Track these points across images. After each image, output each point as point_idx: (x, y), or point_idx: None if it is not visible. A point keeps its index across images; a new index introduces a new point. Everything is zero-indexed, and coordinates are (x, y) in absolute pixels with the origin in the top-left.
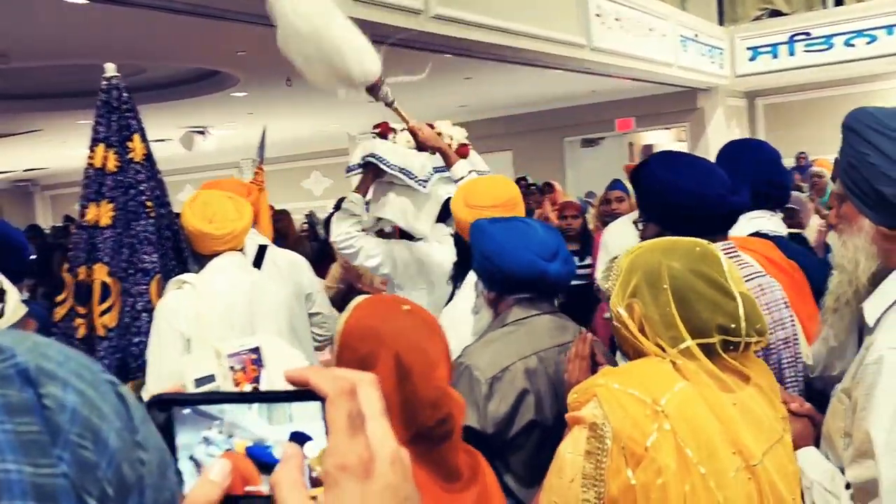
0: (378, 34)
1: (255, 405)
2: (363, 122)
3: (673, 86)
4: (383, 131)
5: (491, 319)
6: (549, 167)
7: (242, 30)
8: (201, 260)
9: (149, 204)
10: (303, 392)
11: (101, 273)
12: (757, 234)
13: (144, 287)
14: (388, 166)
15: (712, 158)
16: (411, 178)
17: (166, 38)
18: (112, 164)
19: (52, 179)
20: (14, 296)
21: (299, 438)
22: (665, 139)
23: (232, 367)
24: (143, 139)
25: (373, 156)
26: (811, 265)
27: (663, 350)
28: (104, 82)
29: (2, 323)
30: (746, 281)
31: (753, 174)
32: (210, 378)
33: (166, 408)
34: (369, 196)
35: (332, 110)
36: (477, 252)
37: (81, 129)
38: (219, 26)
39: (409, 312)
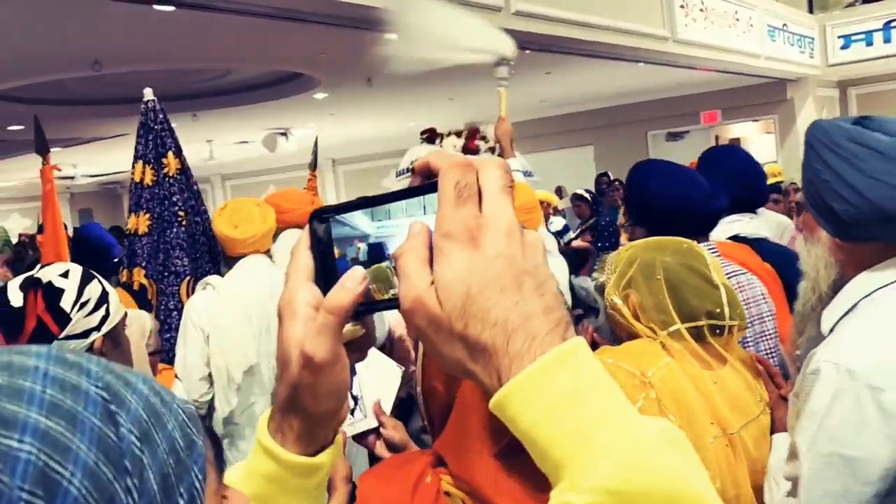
0: None
1: (402, 204)
2: (441, 121)
3: (760, 77)
4: (431, 136)
5: None
6: (633, 161)
7: (324, 32)
8: (230, 262)
9: (181, 213)
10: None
11: (139, 276)
12: (736, 238)
13: (176, 288)
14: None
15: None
16: None
17: (249, 42)
18: (149, 178)
19: None
20: (115, 298)
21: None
22: (752, 131)
23: None
24: (178, 155)
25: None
26: (790, 263)
27: (654, 333)
28: (143, 105)
29: (106, 325)
30: (728, 277)
31: (731, 179)
32: None
33: (324, 218)
34: None
35: (412, 109)
36: None
37: None
38: (300, 29)
39: None
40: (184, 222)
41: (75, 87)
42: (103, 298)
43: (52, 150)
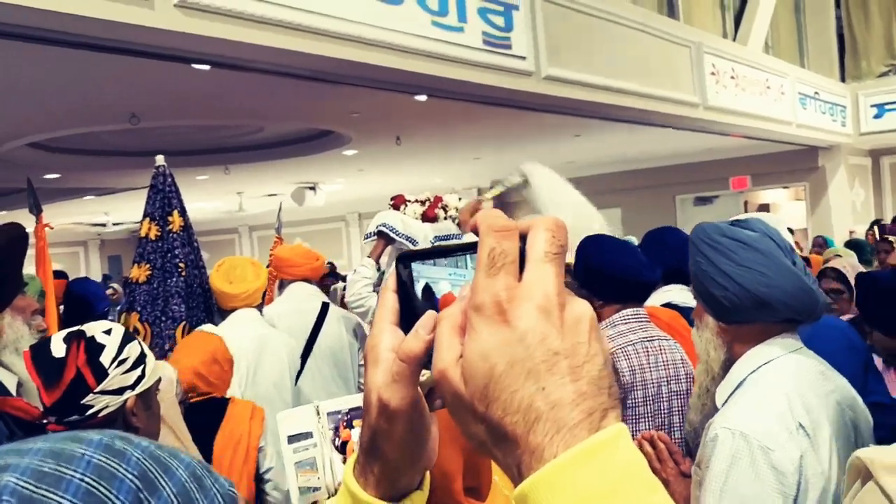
0: (491, 96)
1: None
2: (466, 179)
3: (792, 144)
4: (397, 203)
5: None
6: (660, 223)
7: (355, 93)
8: (223, 313)
9: (181, 265)
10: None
11: (134, 320)
12: (668, 305)
13: (172, 331)
14: (397, 235)
15: (834, 217)
16: (414, 245)
17: (284, 100)
18: (153, 233)
19: None
20: (152, 361)
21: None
22: (782, 198)
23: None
24: (182, 214)
25: (384, 225)
26: None
27: None
28: (154, 169)
29: (141, 385)
30: (650, 340)
31: (671, 254)
32: (306, 435)
33: (408, 263)
34: (383, 261)
35: (438, 167)
36: None
37: (199, 185)
38: (334, 90)
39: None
40: (183, 273)
41: (110, 139)
42: (140, 360)
43: (85, 198)
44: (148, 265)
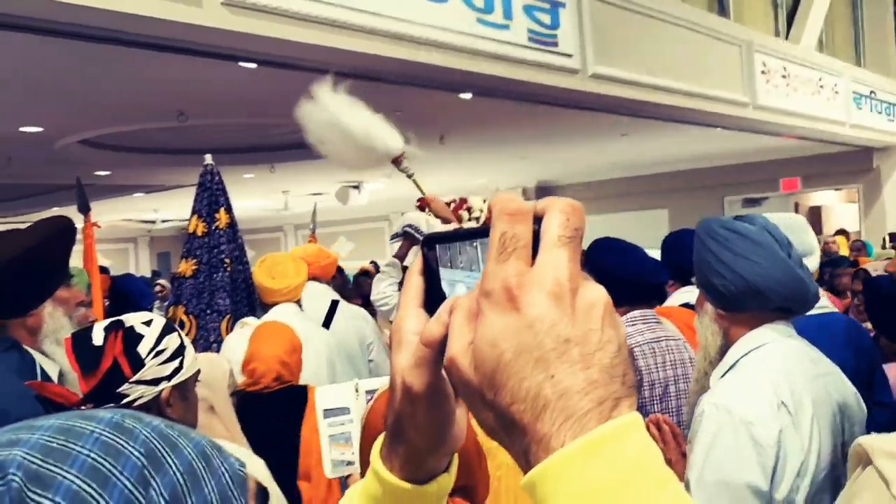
0: (537, 94)
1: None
2: (511, 178)
3: (845, 144)
4: (422, 205)
5: None
6: None
7: (399, 91)
8: (265, 307)
9: (226, 260)
10: None
11: (180, 313)
12: (686, 305)
13: (217, 324)
14: (422, 235)
15: (888, 220)
16: None
17: None
18: (201, 230)
19: None
20: (191, 354)
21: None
22: (834, 200)
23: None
24: (228, 211)
25: (409, 226)
26: None
27: None
28: (202, 168)
29: (177, 377)
30: (658, 341)
31: (688, 256)
32: (343, 410)
33: (433, 245)
34: (408, 260)
35: (482, 166)
36: None
37: (245, 183)
38: (378, 88)
39: None
40: (228, 268)
41: (159, 137)
42: (179, 352)
43: (134, 195)
44: (195, 260)
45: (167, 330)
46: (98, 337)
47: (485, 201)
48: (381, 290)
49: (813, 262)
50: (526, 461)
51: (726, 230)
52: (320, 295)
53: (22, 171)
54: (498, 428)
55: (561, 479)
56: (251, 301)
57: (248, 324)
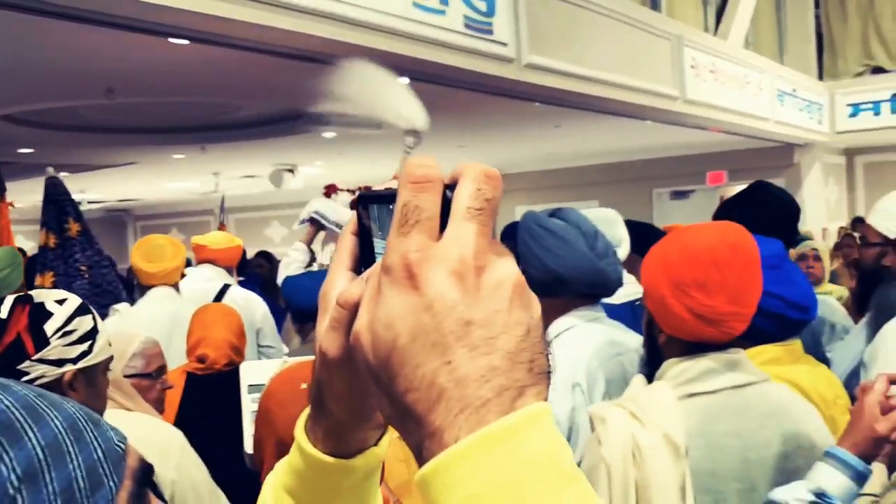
0: (472, 81)
1: None
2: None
3: (768, 140)
4: (328, 192)
5: None
6: (636, 218)
7: (335, 73)
8: (142, 290)
9: (83, 268)
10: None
11: None
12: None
13: None
14: (328, 221)
15: (807, 214)
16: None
17: (261, 79)
18: (52, 242)
19: (145, 210)
20: (104, 340)
21: None
22: None
23: None
24: (77, 219)
25: (316, 213)
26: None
27: None
28: (45, 180)
29: (84, 361)
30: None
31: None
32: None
33: (367, 204)
34: (316, 246)
35: (419, 154)
36: None
37: (175, 164)
38: (313, 69)
39: (306, 392)
40: (86, 275)
41: (87, 115)
42: (90, 335)
43: (61, 174)
44: (51, 272)
45: (81, 311)
46: (4, 310)
47: None
48: (290, 273)
49: (622, 252)
50: (419, 455)
51: (539, 227)
52: (211, 279)
53: None
54: (394, 417)
55: (453, 478)
56: (120, 299)
57: (119, 310)
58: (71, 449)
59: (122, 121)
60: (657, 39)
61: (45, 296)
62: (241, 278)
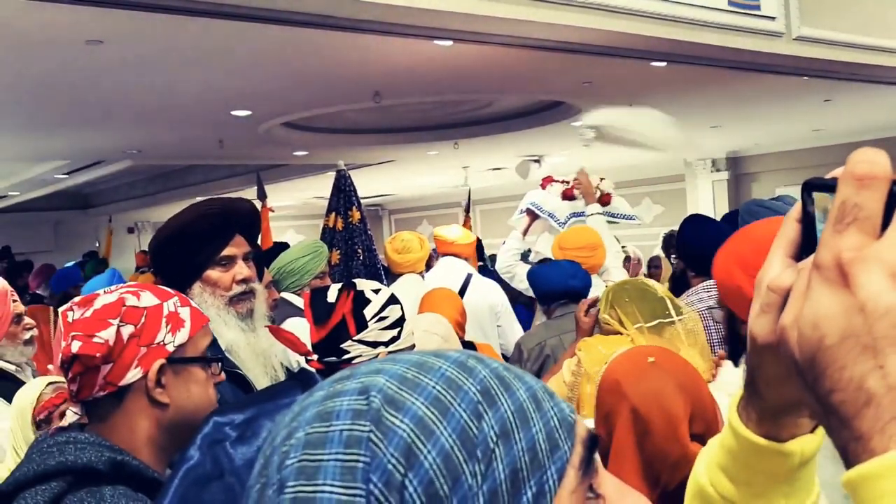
0: (735, 60)
1: None
2: (701, 149)
3: None
4: (544, 184)
5: None
6: None
7: (591, 63)
8: (393, 277)
9: (359, 250)
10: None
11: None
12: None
13: None
14: (542, 212)
15: None
16: (554, 221)
17: (515, 71)
18: (339, 225)
19: (397, 204)
20: (410, 328)
21: None
22: None
23: None
24: (359, 209)
25: (532, 204)
26: None
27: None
28: (336, 173)
29: (394, 345)
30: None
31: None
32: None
33: (811, 191)
34: (531, 235)
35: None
36: None
37: (429, 160)
38: (568, 59)
39: (654, 365)
40: (362, 257)
41: (354, 117)
42: (399, 322)
43: (328, 173)
44: (337, 251)
45: (392, 300)
46: (332, 295)
47: (602, 179)
48: (505, 259)
49: None
50: (845, 457)
51: (759, 206)
52: (457, 269)
53: (231, 153)
54: (818, 413)
55: (881, 490)
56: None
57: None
58: (533, 415)
59: (385, 121)
60: None
61: (364, 285)
62: (479, 263)
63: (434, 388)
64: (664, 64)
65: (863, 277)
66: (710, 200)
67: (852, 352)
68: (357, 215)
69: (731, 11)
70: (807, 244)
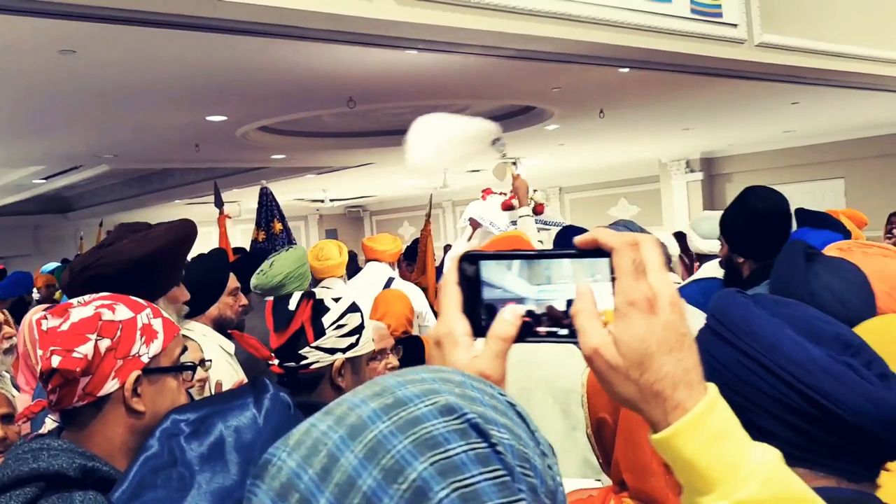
0: (700, 66)
1: (516, 266)
2: (674, 150)
3: None
4: (484, 196)
5: None
6: (890, 197)
7: (559, 69)
8: (315, 283)
9: None
10: (592, 251)
11: None
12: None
13: None
14: (482, 220)
15: None
16: (495, 228)
17: (488, 80)
18: (261, 237)
19: (378, 206)
20: (369, 335)
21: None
22: None
23: None
24: (280, 220)
25: (475, 214)
26: None
27: None
28: (259, 191)
29: (351, 352)
30: None
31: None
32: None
33: (475, 261)
34: (474, 241)
35: (642, 140)
36: None
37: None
38: (537, 66)
39: None
40: None
41: (330, 122)
42: (357, 330)
43: (306, 176)
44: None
45: (351, 309)
46: (293, 303)
47: (535, 191)
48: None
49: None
50: (664, 419)
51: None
52: (379, 274)
53: (207, 157)
54: (639, 398)
55: (701, 427)
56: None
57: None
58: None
59: (363, 125)
60: None
61: (325, 293)
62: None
63: (482, 396)
64: (627, 70)
65: (662, 306)
66: (684, 200)
67: (665, 353)
68: (279, 226)
69: (694, 19)
70: (470, 302)
